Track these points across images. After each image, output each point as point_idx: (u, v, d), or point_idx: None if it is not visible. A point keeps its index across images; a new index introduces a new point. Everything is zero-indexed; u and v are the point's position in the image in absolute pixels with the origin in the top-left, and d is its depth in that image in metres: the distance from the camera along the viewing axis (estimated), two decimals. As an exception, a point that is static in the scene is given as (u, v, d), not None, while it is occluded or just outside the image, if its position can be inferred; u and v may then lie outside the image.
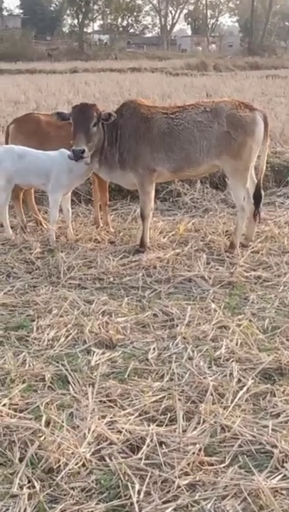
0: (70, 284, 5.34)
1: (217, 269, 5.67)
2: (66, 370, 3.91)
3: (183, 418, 3.40)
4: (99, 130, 5.81)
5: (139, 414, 3.46)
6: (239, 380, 3.80)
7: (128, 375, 3.88)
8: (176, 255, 5.96)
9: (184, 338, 4.35)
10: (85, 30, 66.42)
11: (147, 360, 4.07)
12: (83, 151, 5.58)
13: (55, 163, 5.97)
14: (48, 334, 4.38)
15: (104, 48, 59.30)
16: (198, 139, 5.82)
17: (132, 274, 5.55)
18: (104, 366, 3.99)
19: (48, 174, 6.06)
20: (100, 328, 4.44)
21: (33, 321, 4.63)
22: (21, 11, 74.31)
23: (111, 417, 3.40)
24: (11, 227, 6.61)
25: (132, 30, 76.24)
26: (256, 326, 4.56)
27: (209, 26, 79.77)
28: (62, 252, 5.99)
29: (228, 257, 5.89)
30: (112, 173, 6.11)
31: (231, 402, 3.55)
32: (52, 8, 75.31)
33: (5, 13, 73.68)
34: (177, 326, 4.57)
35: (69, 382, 3.79)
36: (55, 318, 4.61)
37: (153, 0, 74.25)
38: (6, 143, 6.84)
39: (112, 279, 5.46)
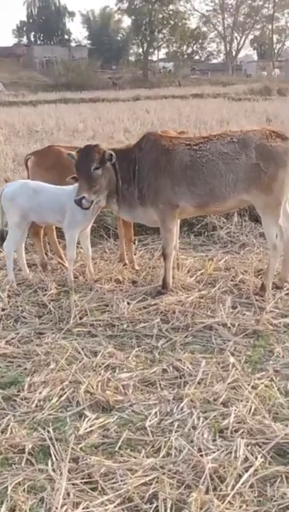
0: (78, 331, 4.89)
1: (243, 314, 5.09)
2: (50, 439, 3.44)
3: (169, 510, 2.85)
4: (106, 171, 5.43)
5: (120, 502, 2.94)
6: (246, 459, 3.22)
7: (119, 447, 3.37)
8: (200, 298, 5.41)
9: (192, 400, 3.80)
10: (150, 58, 67.19)
11: (144, 428, 3.54)
12: (83, 199, 5.27)
13: (70, 198, 5.59)
14: (39, 393, 3.93)
15: (168, 75, 59.62)
16: (223, 172, 5.30)
17: (148, 320, 5.05)
18: (95, 435, 3.50)
19: (63, 210, 5.68)
20: (98, 386, 3.95)
21: (29, 375, 4.20)
22: (89, 41, 76.05)
23: (85, 506, 2.90)
24: (32, 265, 6.27)
25: (197, 57, 76.46)
26: (277, 386, 3.96)
27: (275, 51, 78.90)
28: (78, 293, 5.57)
29: (257, 300, 5.30)
30: (133, 212, 5.67)
31: (231, 489, 2.97)
32: (119, 38, 76.62)
33: (73, 44, 75.65)
34: (187, 384, 4.02)
35: (50, 455, 3.31)
36: (52, 374, 4.15)
37: (218, 27, 74.38)
38: (27, 175, 6.55)
39: (125, 325, 4.97)
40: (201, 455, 3.22)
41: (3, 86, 44.42)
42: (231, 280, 5.84)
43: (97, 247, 7.09)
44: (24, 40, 75.60)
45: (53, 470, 3.17)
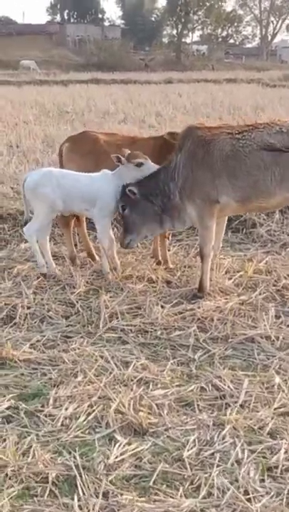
0: (108, 336, 4.52)
1: (288, 326, 4.66)
2: (77, 466, 3.07)
3: None
4: (137, 205, 5.21)
5: None
6: (300, 507, 2.81)
7: (154, 481, 2.99)
8: (240, 304, 4.99)
9: (234, 428, 3.40)
10: (183, 40, 66.07)
11: (182, 460, 3.16)
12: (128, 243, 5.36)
13: (101, 186, 5.23)
14: (65, 409, 3.56)
15: (201, 58, 58.55)
16: (268, 164, 4.84)
17: (184, 327, 4.65)
18: (126, 465, 3.12)
19: (91, 198, 5.31)
20: (129, 405, 3.56)
21: (55, 386, 3.83)
22: (123, 21, 75.04)
23: None
24: (59, 258, 5.91)
25: (231, 41, 74.83)
26: None
27: (312, 36, 77.03)
28: (107, 293, 5.19)
29: (303, 310, 4.86)
30: (185, 218, 5.28)
31: None
32: (153, 19, 75.44)
33: (106, 23, 74.70)
34: (228, 407, 3.62)
35: (76, 487, 2.94)
36: (79, 387, 3.78)
37: (255, 10, 72.70)
38: (60, 164, 6.17)
39: (159, 332, 4.58)
40: (248, 499, 2.82)
41: (36, 65, 43.97)
42: (273, 285, 5.40)
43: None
44: (57, 18, 74.89)
45: (80, 507, 2.80)
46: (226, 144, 4.92)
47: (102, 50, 52.90)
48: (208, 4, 63.72)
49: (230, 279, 5.56)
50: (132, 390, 3.76)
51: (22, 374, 4.00)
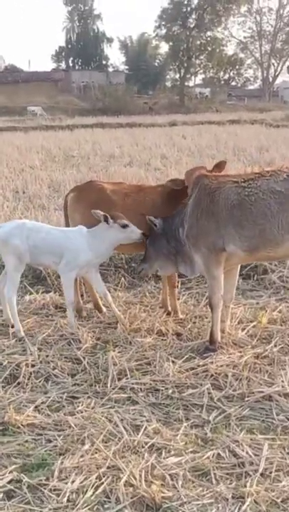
0: (117, 397, 4.26)
1: (307, 382, 4.40)
2: None
3: None
4: (156, 239, 5.34)
5: None
6: None
7: None
8: (255, 358, 4.75)
9: (256, 502, 3.13)
10: (186, 84, 66.99)
11: None
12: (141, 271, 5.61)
13: (71, 240, 5.29)
14: (72, 482, 3.29)
15: (204, 101, 59.32)
16: (275, 212, 4.65)
17: (197, 385, 4.39)
18: None
19: (61, 252, 5.27)
20: (141, 476, 3.30)
21: (60, 455, 3.57)
22: (126, 67, 76.42)
23: None
24: (63, 310, 5.71)
25: (233, 83, 75.98)
26: None
27: (313, 78, 77.91)
28: (115, 348, 4.96)
29: None
30: (192, 265, 5.15)
31: None
32: (156, 64, 76.81)
33: (110, 69, 76.07)
34: (248, 476, 3.35)
35: None
36: (86, 456, 3.51)
37: (255, 53, 73.93)
38: (65, 214, 6.03)
39: (170, 391, 4.32)
40: None
41: (43, 110, 44.63)
42: (289, 336, 5.16)
43: (136, 290, 6.49)
44: (63, 65, 76.41)
45: None
46: (232, 193, 4.75)
47: (106, 95, 53.73)
48: (209, 49, 64.81)
49: (243, 329, 5.33)
50: (143, 458, 3.50)
51: (26, 441, 3.74)
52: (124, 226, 5.23)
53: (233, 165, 15.78)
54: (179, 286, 6.19)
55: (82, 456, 3.52)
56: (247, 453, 3.55)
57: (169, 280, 5.70)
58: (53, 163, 17.32)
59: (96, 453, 3.54)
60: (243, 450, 3.58)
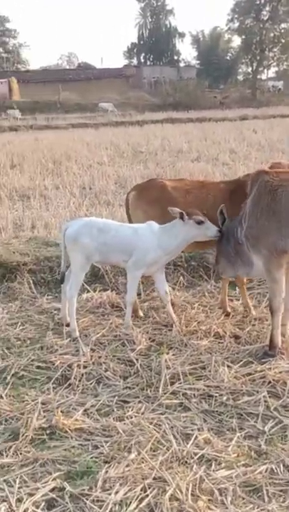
0: (168, 402, 4.10)
1: None
2: None
3: None
4: (222, 238, 5.12)
5: None
6: None
7: None
8: None
9: (310, 523, 2.90)
10: (259, 77, 65.85)
11: None
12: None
13: (140, 238, 5.11)
14: (115, 493, 3.15)
15: (277, 94, 58.02)
16: None
17: (253, 392, 4.17)
18: None
19: (131, 250, 5.09)
20: (188, 490, 3.13)
21: (106, 462, 3.45)
22: (198, 61, 75.95)
23: None
24: (120, 309, 5.59)
25: (308, 75, 73.93)
26: None
27: None
28: (170, 350, 4.80)
29: None
30: (254, 266, 4.89)
31: None
32: (228, 58, 75.91)
33: (182, 64, 75.80)
34: (303, 495, 3.12)
35: None
36: (132, 466, 3.37)
37: None
38: (127, 212, 5.98)
39: (225, 398, 4.12)
40: None
41: (114, 106, 44.96)
42: None
43: (196, 290, 6.29)
44: (134, 61, 76.83)
45: None
46: None
47: (177, 90, 53.43)
48: (283, 41, 63.30)
49: (306, 333, 5.04)
50: (191, 470, 3.33)
51: (72, 446, 3.64)
52: (200, 222, 5.05)
53: (304, 160, 15.29)
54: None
55: (127, 465, 3.38)
56: (303, 469, 3.31)
57: (238, 278, 5.49)
58: (121, 159, 17.32)
59: (142, 463, 3.40)
60: (299, 466, 3.34)
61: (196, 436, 3.65)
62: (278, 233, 4.52)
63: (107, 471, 3.34)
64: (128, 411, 4.00)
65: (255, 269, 4.84)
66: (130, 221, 5.86)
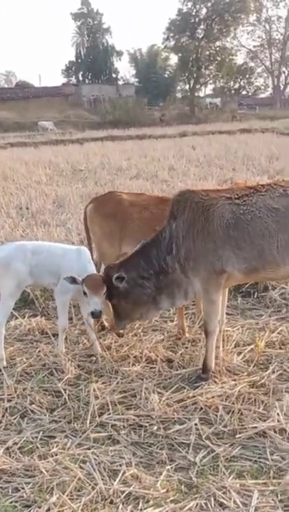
0: (96, 436, 3.88)
1: (306, 414, 3.99)
2: None
3: None
4: (126, 292, 4.65)
5: None
6: None
7: None
8: (251, 386, 4.36)
9: None
10: (196, 94, 66.78)
11: None
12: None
13: (66, 259, 4.90)
14: None
15: (215, 111, 59.01)
16: (274, 232, 4.28)
17: (184, 420, 4.00)
18: None
19: (59, 272, 4.89)
20: (112, 534, 2.92)
21: (26, 507, 3.21)
22: (136, 79, 76.46)
23: None
24: (49, 335, 5.35)
25: (244, 92, 75.53)
26: None
27: None
28: (100, 378, 4.59)
29: None
30: (188, 292, 4.69)
31: None
32: (166, 76, 76.74)
33: (121, 82, 76.18)
34: (234, 531, 2.95)
35: None
36: (54, 509, 3.14)
37: (265, 62, 73.63)
38: (85, 225, 5.88)
39: (155, 427, 3.94)
40: None
41: (54, 125, 44.66)
42: (289, 360, 4.76)
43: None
44: (73, 79, 76.61)
45: None
46: (226, 211, 4.37)
47: (116, 108, 53.62)
48: (219, 59, 64.53)
49: (239, 353, 4.94)
50: (116, 510, 3.12)
51: (-10, 491, 3.38)
52: (84, 293, 4.66)
53: (242, 175, 15.45)
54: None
55: (48, 509, 3.14)
56: (234, 502, 3.16)
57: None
58: (60, 177, 17.11)
59: (64, 505, 3.16)
60: (230, 499, 3.19)
61: (124, 472, 3.45)
62: (215, 254, 4.39)
63: (26, 517, 3.09)
64: (53, 447, 3.77)
65: (190, 292, 4.67)
66: (88, 235, 5.83)
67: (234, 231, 4.33)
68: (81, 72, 76.86)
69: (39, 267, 4.90)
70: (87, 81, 74.54)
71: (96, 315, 4.57)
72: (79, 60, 76.77)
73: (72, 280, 4.63)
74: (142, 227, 5.26)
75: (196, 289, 4.64)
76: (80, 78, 76.01)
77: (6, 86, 75.87)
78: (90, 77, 76.05)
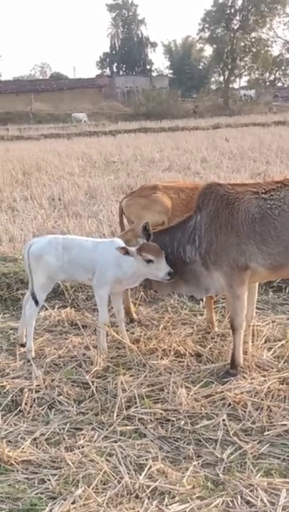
0: (123, 429, 3.86)
1: None
2: None
3: None
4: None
5: None
6: None
7: None
8: (280, 383, 4.29)
9: None
10: (231, 86, 66.19)
11: None
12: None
13: (101, 253, 4.85)
14: (58, 535, 2.92)
15: (249, 102, 58.36)
16: None
17: (212, 415, 3.95)
18: None
19: (93, 267, 4.85)
20: (137, 528, 2.90)
21: (52, 499, 3.21)
22: (170, 71, 76.16)
23: None
24: (79, 327, 5.35)
25: (279, 84, 74.53)
26: None
27: None
28: (128, 371, 4.57)
29: None
30: (208, 286, 4.66)
31: None
32: (200, 67, 76.27)
33: (154, 74, 75.95)
34: (261, 530, 2.91)
35: None
36: (79, 502, 3.13)
37: (302, 52, 72.35)
38: (120, 220, 5.96)
39: (182, 422, 3.90)
40: None
41: (87, 117, 44.79)
42: None
43: (158, 305, 6.07)
44: (107, 71, 76.76)
45: None
46: (252, 205, 4.31)
47: (150, 100, 53.37)
48: (254, 50, 63.77)
49: (269, 349, 4.87)
50: (142, 505, 3.09)
51: (17, 481, 3.39)
52: (149, 261, 4.61)
53: (275, 168, 15.24)
54: (204, 299, 5.74)
55: (74, 502, 3.14)
56: (261, 500, 3.11)
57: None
58: (92, 169, 17.14)
59: (89, 499, 3.15)
60: (257, 497, 3.13)
61: (150, 467, 3.42)
62: (238, 249, 4.34)
63: (51, 510, 3.09)
64: (80, 439, 3.76)
65: (211, 287, 4.63)
66: (122, 230, 5.90)
67: (260, 226, 4.27)
68: (115, 64, 77.01)
69: (71, 262, 4.87)
70: (121, 73, 74.61)
71: (172, 274, 4.53)
72: (113, 52, 76.91)
73: (125, 251, 4.60)
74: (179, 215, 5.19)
75: (218, 285, 4.59)
76: (114, 70, 76.18)
77: (40, 78, 76.32)
78: (124, 69, 76.12)
